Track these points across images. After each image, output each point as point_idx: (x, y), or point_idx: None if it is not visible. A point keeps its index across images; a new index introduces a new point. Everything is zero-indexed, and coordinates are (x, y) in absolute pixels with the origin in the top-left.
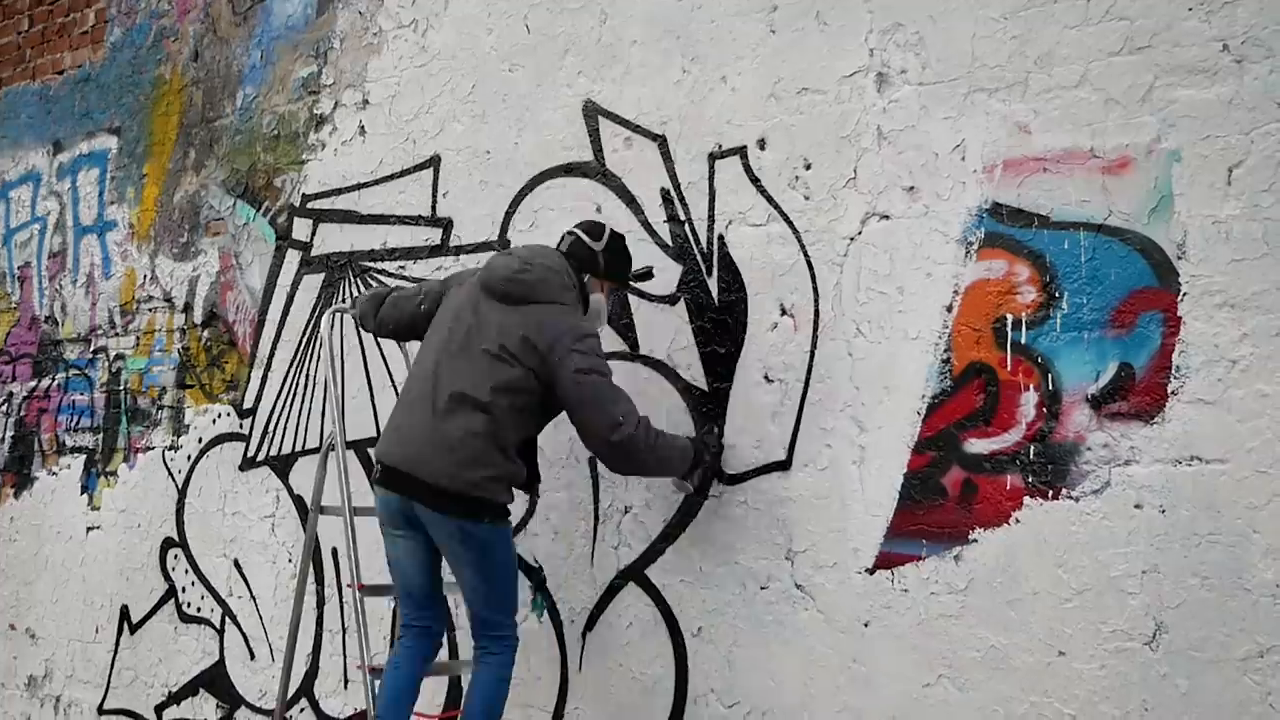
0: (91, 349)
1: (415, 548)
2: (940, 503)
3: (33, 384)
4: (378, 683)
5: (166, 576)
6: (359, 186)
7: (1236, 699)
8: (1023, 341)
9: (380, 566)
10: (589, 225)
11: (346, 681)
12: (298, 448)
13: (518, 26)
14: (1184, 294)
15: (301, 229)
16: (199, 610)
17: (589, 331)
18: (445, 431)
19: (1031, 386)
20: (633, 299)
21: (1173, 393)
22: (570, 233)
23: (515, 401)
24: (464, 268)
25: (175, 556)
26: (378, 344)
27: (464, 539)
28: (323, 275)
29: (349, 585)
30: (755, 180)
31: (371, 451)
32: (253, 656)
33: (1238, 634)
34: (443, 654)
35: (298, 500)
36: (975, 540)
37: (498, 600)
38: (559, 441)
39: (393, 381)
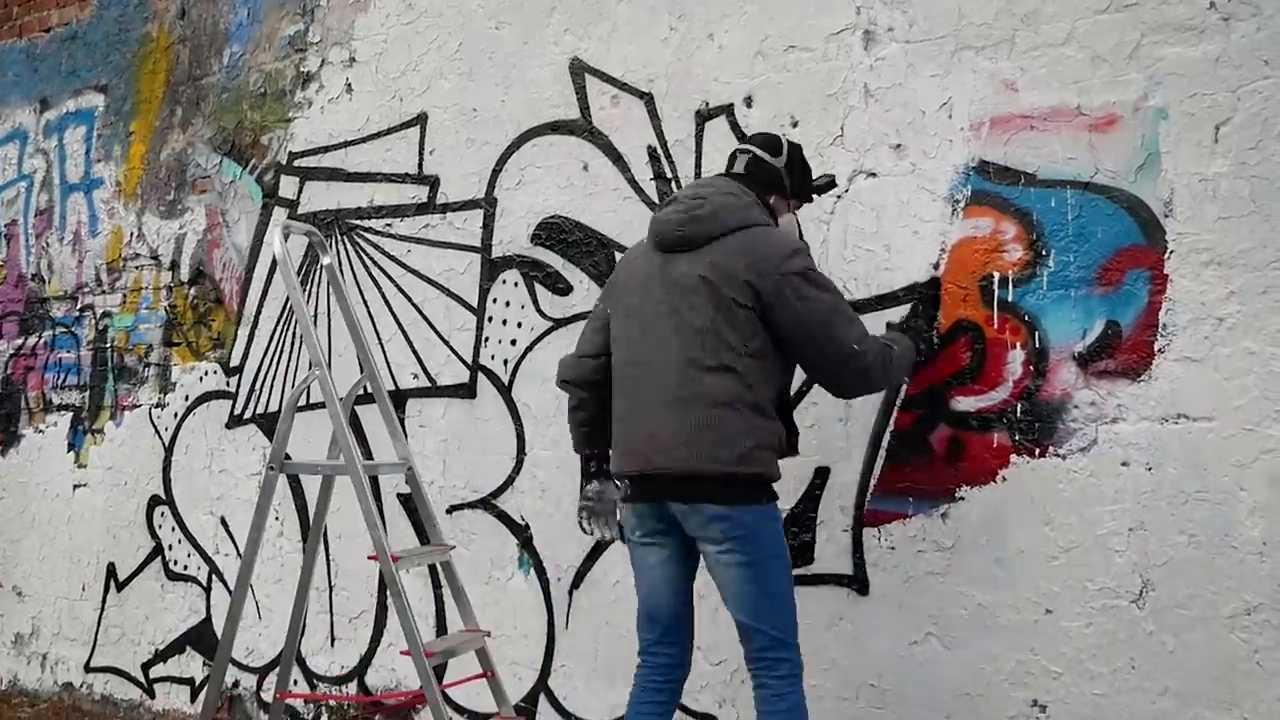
0: (78, 307)
1: (667, 558)
2: (927, 460)
3: (19, 342)
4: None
5: (153, 534)
6: (346, 144)
7: (1224, 656)
8: (1010, 299)
9: (396, 536)
10: (763, 139)
11: (333, 640)
12: (284, 405)
13: None
14: (1171, 252)
15: (288, 187)
16: (185, 568)
17: (795, 246)
18: (688, 411)
19: (1018, 344)
20: (619, 257)
21: (1160, 350)
22: (743, 150)
23: (752, 348)
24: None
25: (162, 514)
26: (364, 300)
27: (732, 531)
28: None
29: (370, 558)
30: (742, 138)
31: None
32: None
33: (1225, 591)
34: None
35: (285, 458)
36: (962, 498)
37: (779, 609)
38: (543, 398)
39: (380, 339)
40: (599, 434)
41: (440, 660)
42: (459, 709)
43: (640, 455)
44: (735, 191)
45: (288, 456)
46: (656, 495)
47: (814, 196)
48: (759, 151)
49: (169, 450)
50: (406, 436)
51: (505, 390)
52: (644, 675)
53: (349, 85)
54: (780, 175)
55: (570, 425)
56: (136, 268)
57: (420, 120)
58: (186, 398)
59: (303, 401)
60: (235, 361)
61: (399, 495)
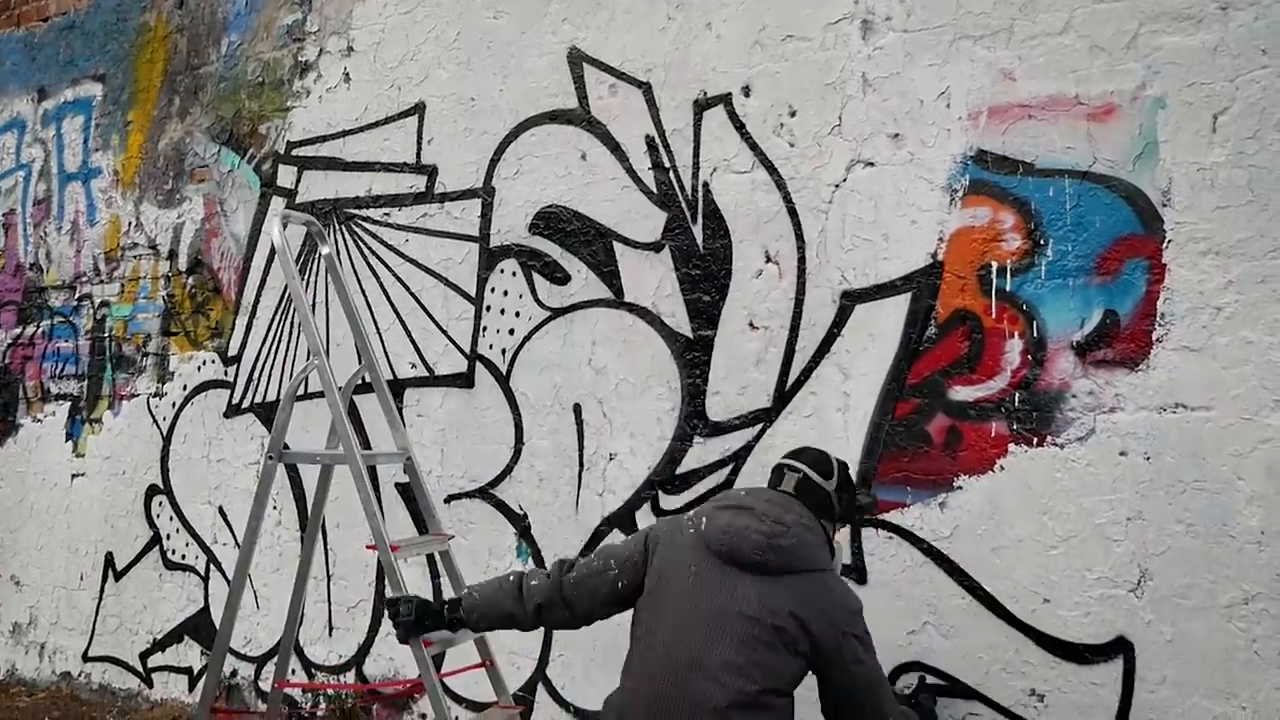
0: (76, 296)
1: None
2: (925, 450)
3: (17, 331)
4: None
5: (151, 523)
6: (344, 133)
7: (1222, 646)
8: (1008, 289)
9: (395, 525)
10: (813, 457)
11: (331, 629)
12: (283, 395)
13: None
14: (1169, 241)
15: (286, 176)
16: (184, 557)
17: (857, 609)
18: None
19: (1016, 334)
20: (617, 246)
21: (1158, 340)
22: (792, 469)
23: (788, 691)
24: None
25: (160, 503)
26: (362, 290)
27: None
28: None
29: (369, 547)
30: (740, 127)
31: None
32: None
33: (1223, 581)
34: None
35: (284, 447)
36: (960, 487)
37: None
38: (541, 387)
39: (378, 329)
40: (492, 620)
41: (439, 650)
42: (457, 698)
43: None
44: (812, 526)
45: (286, 446)
46: None
47: (855, 516)
48: (810, 472)
49: (167, 440)
50: (405, 426)
51: (503, 380)
52: None
53: (347, 74)
54: (832, 500)
55: (508, 608)
56: (135, 257)
57: (418, 109)
58: (184, 387)
59: (301, 391)
60: (233, 351)
61: (397, 485)
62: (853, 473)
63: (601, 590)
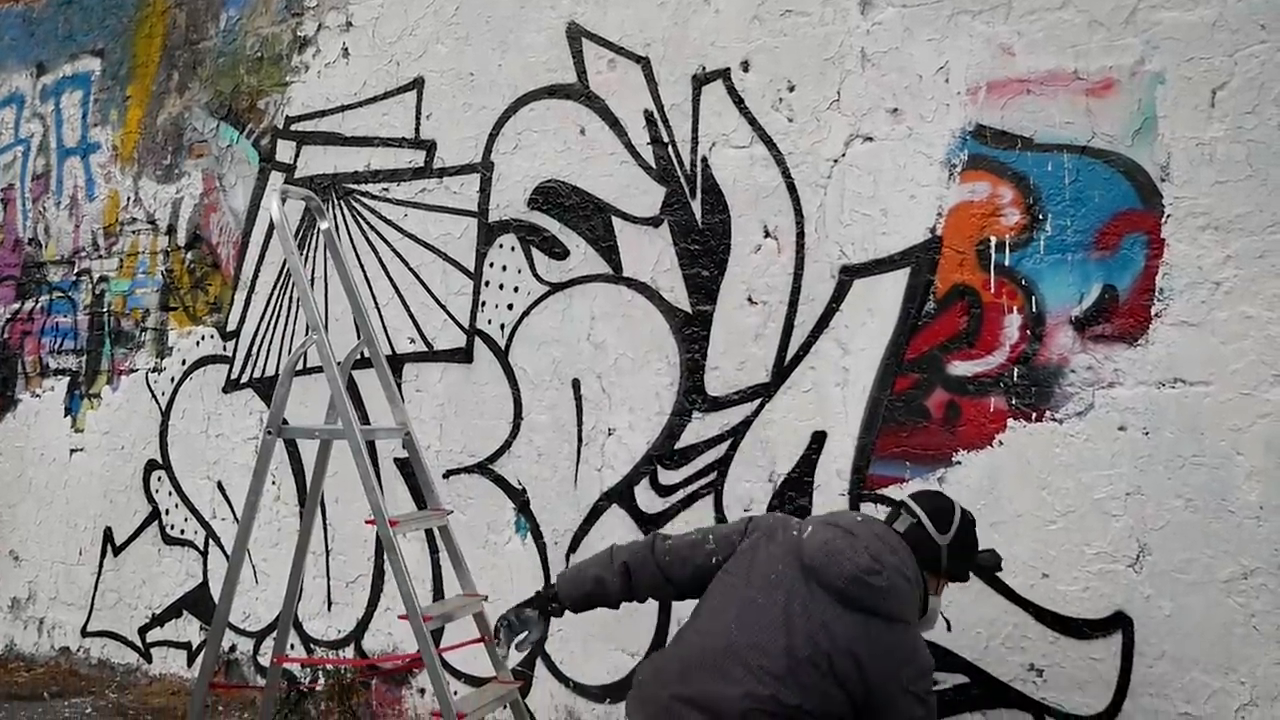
0: (75, 271)
1: None
2: (924, 425)
3: (16, 306)
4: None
5: (150, 499)
6: (342, 109)
7: (1220, 620)
8: (1006, 264)
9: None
10: (935, 507)
11: (330, 604)
12: (281, 370)
13: None
14: (1168, 216)
15: (285, 151)
16: (182, 532)
17: (927, 668)
18: (735, 690)
19: (1015, 309)
20: (616, 221)
21: (1156, 315)
22: (909, 511)
23: (818, 710)
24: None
25: (159, 479)
26: (361, 265)
27: None
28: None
29: (368, 522)
30: (739, 102)
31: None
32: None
33: (1221, 556)
34: None
35: (283, 423)
36: (959, 462)
37: None
38: (540, 362)
39: (377, 304)
40: (580, 589)
41: (438, 624)
42: (456, 673)
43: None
44: (911, 577)
45: (285, 421)
46: None
47: (967, 579)
48: (925, 521)
49: (166, 415)
50: (404, 401)
51: (502, 355)
52: None
53: (345, 50)
54: (940, 555)
55: (594, 572)
56: (133, 232)
57: (417, 85)
58: (183, 362)
59: (300, 366)
60: (232, 326)
61: (396, 460)
62: (980, 536)
63: (696, 560)
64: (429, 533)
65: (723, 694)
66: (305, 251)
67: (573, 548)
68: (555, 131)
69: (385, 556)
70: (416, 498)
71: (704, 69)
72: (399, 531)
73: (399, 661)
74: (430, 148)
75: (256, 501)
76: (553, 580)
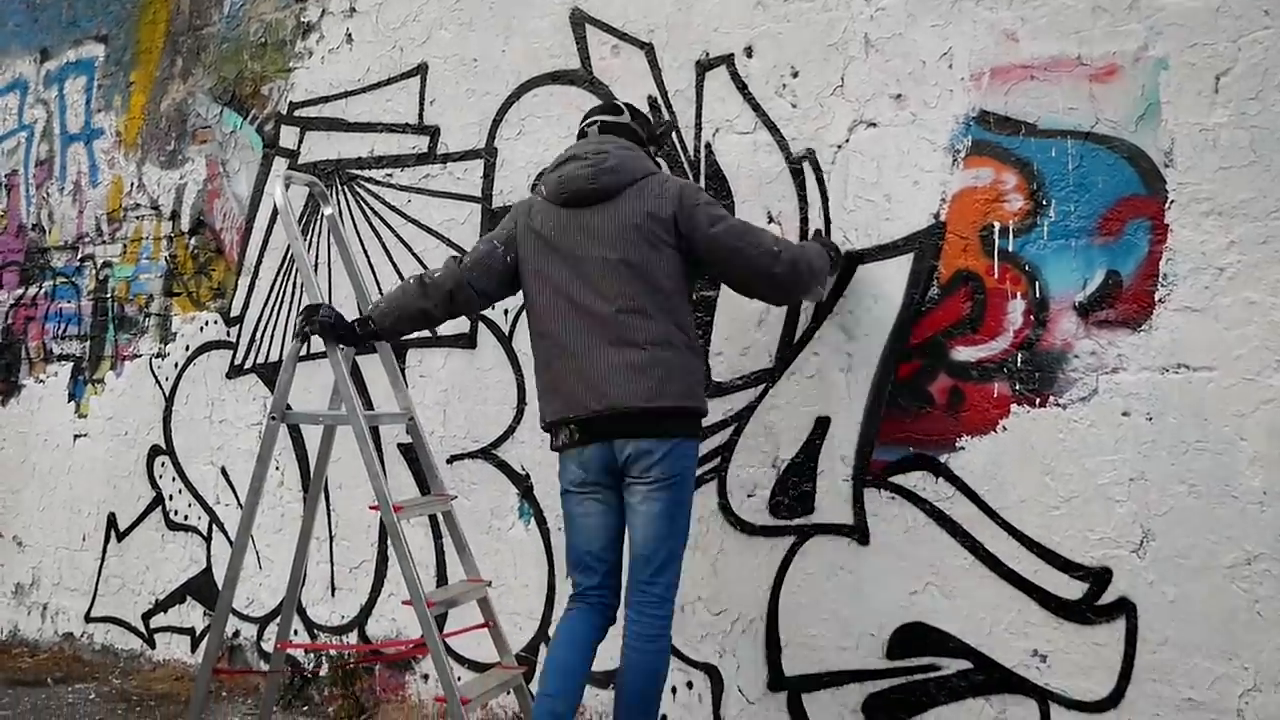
0: (79, 257)
1: (605, 509)
2: (927, 410)
3: (20, 292)
4: (433, 614)
5: (154, 484)
6: (346, 94)
7: (1224, 607)
8: (1010, 249)
9: (397, 485)
10: (603, 105)
11: (334, 589)
12: (285, 356)
13: None
14: (1171, 201)
15: (289, 137)
16: (186, 518)
17: (694, 184)
18: (634, 352)
19: (1019, 294)
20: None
21: (1160, 300)
22: (590, 121)
23: (673, 286)
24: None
25: (162, 464)
26: (365, 251)
27: (672, 465)
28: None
29: (372, 508)
30: (742, 88)
31: (541, 416)
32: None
33: (1225, 541)
34: None
35: (286, 408)
36: (963, 448)
37: (676, 547)
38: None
39: (381, 289)
40: (405, 321)
41: (441, 610)
42: (459, 659)
43: (590, 397)
44: (628, 145)
45: (289, 407)
46: (607, 435)
47: (661, 143)
48: (605, 117)
49: (169, 400)
50: (407, 386)
51: (506, 340)
52: (581, 615)
53: (349, 35)
54: (635, 129)
55: (398, 298)
56: (137, 218)
57: (420, 70)
58: (187, 348)
59: (303, 352)
60: (236, 311)
61: (399, 445)
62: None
63: (494, 266)
64: (432, 519)
65: (628, 355)
66: (309, 237)
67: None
68: (559, 117)
69: (389, 542)
70: (420, 483)
71: (707, 55)
72: (403, 517)
73: (402, 647)
74: (434, 133)
75: (260, 487)
76: (368, 317)
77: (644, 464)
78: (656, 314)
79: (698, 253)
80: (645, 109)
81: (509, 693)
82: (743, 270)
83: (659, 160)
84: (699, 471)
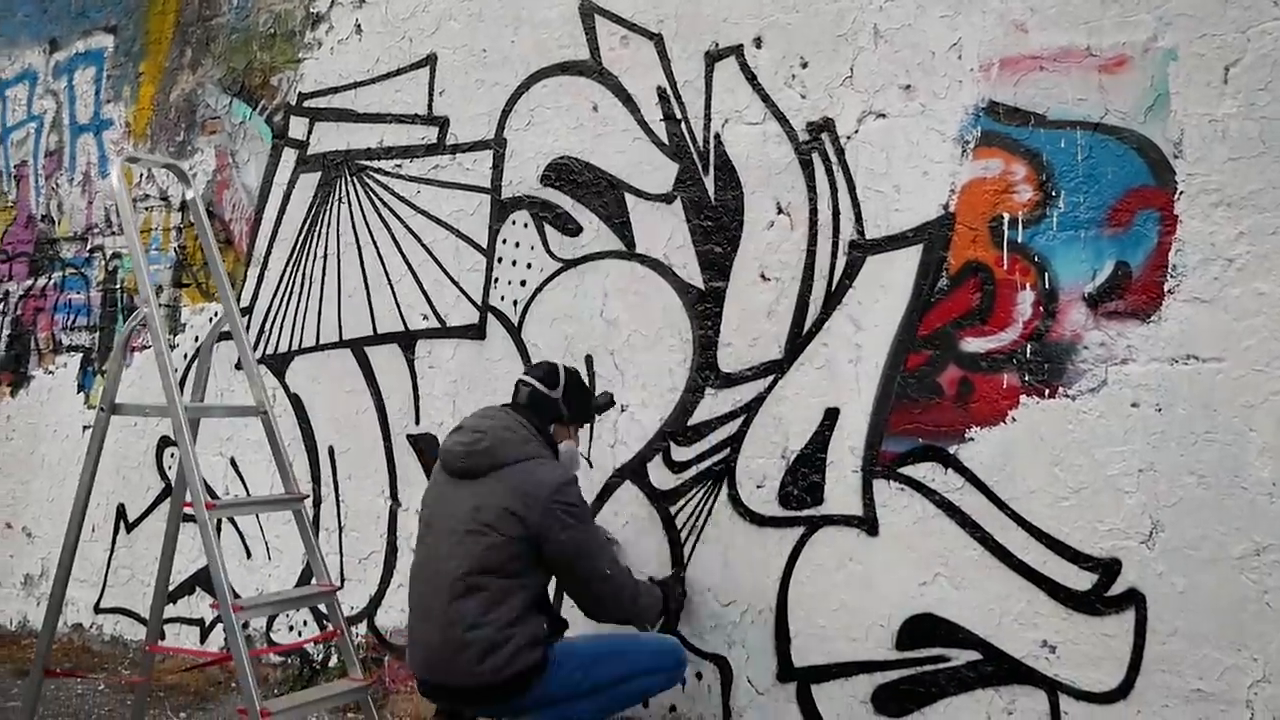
0: (88, 248)
1: None
2: (937, 401)
3: (29, 283)
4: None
5: (163, 475)
6: (355, 85)
7: (1233, 597)
8: (1019, 240)
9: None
10: (542, 371)
11: (343, 580)
12: (294, 346)
13: None
14: (1181, 192)
15: (298, 128)
16: None
17: (565, 479)
18: (452, 631)
19: (1028, 285)
20: (629, 197)
21: (1169, 291)
22: (523, 383)
23: (510, 570)
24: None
25: (172, 455)
26: (374, 241)
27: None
28: (319, 174)
29: (186, 505)
30: (751, 79)
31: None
32: (249, 555)
33: (1234, 532)
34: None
35: (294, 398)
36: (972, 439)
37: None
38: (553, 338)
39: (390, 280)
40: None
41: (259, 614)
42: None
43: (426, 662)
44: (513, 425)
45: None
46: (451, 701)
47: (595, 416)
48: (536, 384)
49: (179, 390)
50: (261, 379)
51: (515, 331)
52: None
53: (358, 26)
54: (558, 405)
55: None
56: (146, 209)
57: (430, 61)
58: (196, 339)
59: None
60: (245, 302)
61: (409, 437)
62: (585, 378)
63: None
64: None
65: (446, 632)
66: (319, 226)
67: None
68: (568, 108)
69: (397, 533)
70: (429, 475)
71: (717, 45)
72: (218, 514)
73: (209, 656)
74: (443, 124)
75: (90, 481)
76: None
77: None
78: (478, 596)
79: (541, 554)
80: (565, 383)
81: (343, 710)
82: (566, 580)
83: (575, 440)
84: (706, 464)
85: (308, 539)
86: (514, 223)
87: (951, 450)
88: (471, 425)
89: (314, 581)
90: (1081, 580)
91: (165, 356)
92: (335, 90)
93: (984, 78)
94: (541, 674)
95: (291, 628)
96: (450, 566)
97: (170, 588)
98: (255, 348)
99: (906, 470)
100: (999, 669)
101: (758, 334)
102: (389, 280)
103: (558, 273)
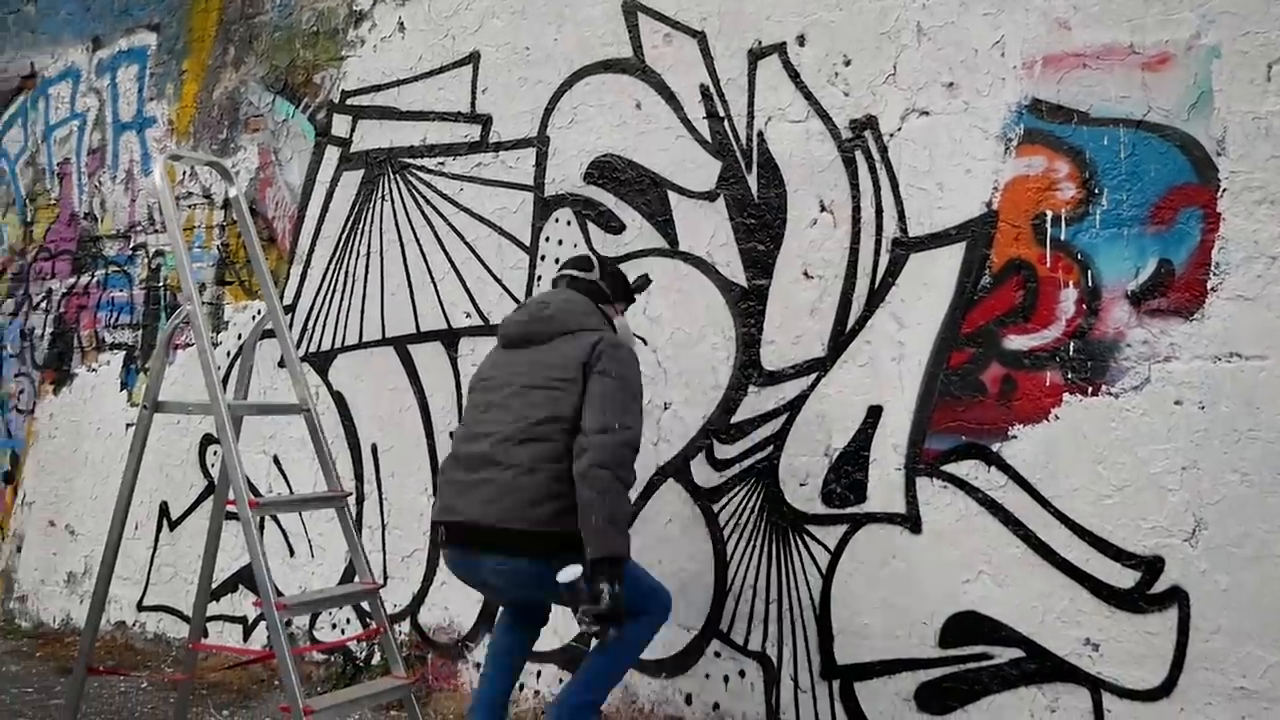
0: (131, 245)
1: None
2: (980, 399)
3: (72, 281)
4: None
5: (206, 473)
6: (398, 83)
7: (1277, 594)
8: (1062, 238)
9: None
10: (575, 261)
11: (386, 578)
12: (337, 344)
13: None
14: (1224, 190)
15: (341, 125)
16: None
17: (624, 343)
18: (504, 475)
19: (1071, 283)
20: (672, 195)
21: (1212, 289)
22: (562, 275)
23: (571, 426)
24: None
25: (215, 453)
26: (417, 239)
27: (540, 583)
28: (362, 172)
29: (229, 503)
30: (794, 76)
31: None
32: (292, 553)
33: (1277, 530)
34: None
35: (337, 396)
36: (1015, 436)
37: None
38: None
39: (433, 278)
40: None
41: (301, 613)
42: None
43: (464, 506)
44: (575, 300)
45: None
46: (479, 544)
47: (635, 297)
48: (575, 273)
49: (222, 388)
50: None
51: None
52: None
53: (401, 24)
54: (600, 287)
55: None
56: (189, 206)
57: (473, 59)
58: (239, 336)
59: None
60: (288, 300)
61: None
62: (624, 269)
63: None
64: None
65: (505, 475)
66: (362, 225)
67: (629, 522)
68: (611, 106)
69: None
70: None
71: (760, 43)
72: (259, 513)
73: (251, 654)
74: (486, 122)
75: (133, 478)
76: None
77: (506, 578)
78: (548, 448)
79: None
80: (600, 267)
81: (385, 708)
82: (584, 417)
83: (618, 318)
84: (749, 461)
85: (350, 537)
86: (557, 220)
87: (994, 448)
88: (537, 299)
89: (357, 579)
90: (1124, 578)
91: (208, 354)
92: (378, 88)
93: (1027, 75)
94: (568, 550)
95: (335, 625)
96: (508, 418)
97: (212, 585)
98: (298, 345)
99: (949, 468)
100: (1042, 667)
101: (801, 331)
102: (432, 278)
103: None
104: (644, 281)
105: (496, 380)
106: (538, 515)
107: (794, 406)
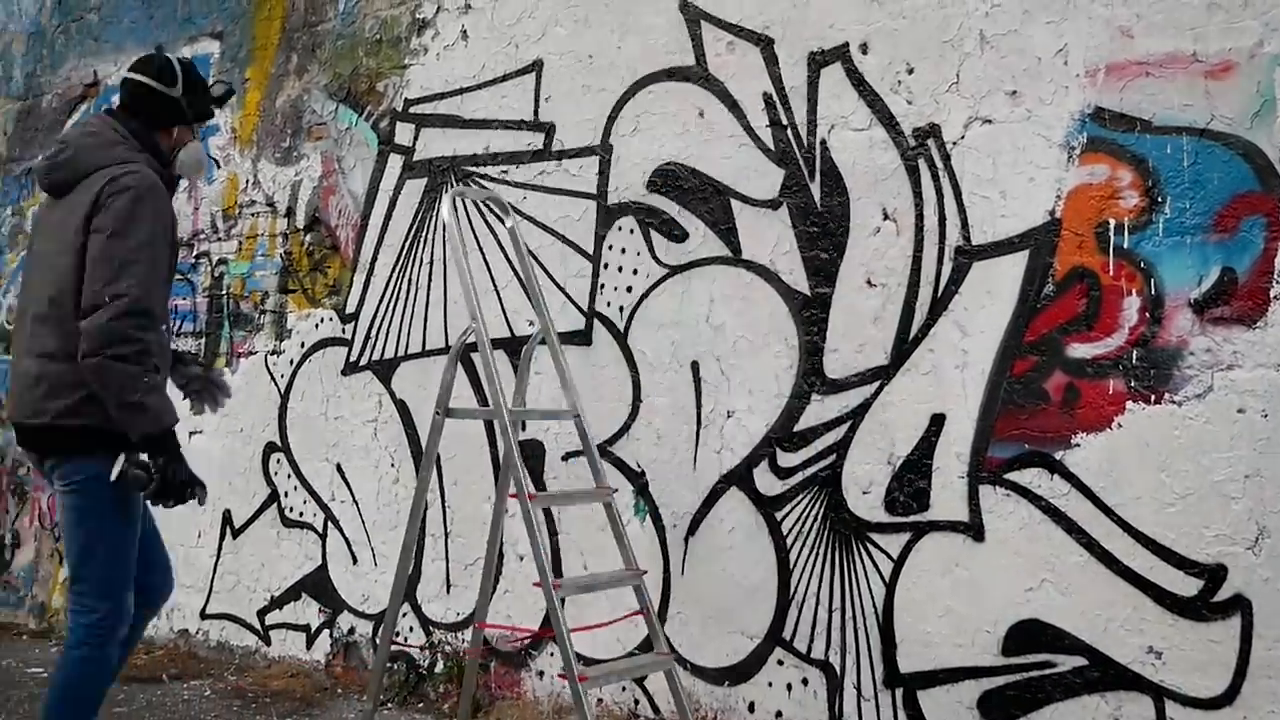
0: (194, 254)
1: None
2: (1043, 407)
3: None
4: (561, 600)
5: (269, 481)
6: (461, 91)
7: None
8: (1125, 246)
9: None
10: (156, 66)
11: (449, 586)
12: (400, 353)
13: None
14: None
15: (404, 134)
16: (301, 515)
17: (140, 181)
18: (29, 362)
19: (1134, 291)
20: (735, 203)
21: (1275, 297)
22: (129, 81)
23: (78, 300)
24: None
25: (278, 461)
26: (480, 247)
27: (70, 472)
28: (425, 180)
29: (512, 495)
30: (858, 84)
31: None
32: (355, 561)
33: None
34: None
35: (400, 405)
36: (1078, 445)
37: (87, 556)
38: (659, 344)
39: (496, 286)
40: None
41: (571, 592)
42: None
43: (10, 403)
44: (100, 130)
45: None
46: (24, 444)
47: (214, 111)
48: (142, 79)
49: (285, 397)
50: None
51: (621, 337)
52: None
53: (464, 32)
54: (179, 104)
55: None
56: (252, 214)
57: (536, 67)
58: (302, 345)
59: (418, 348)
60: (351, 308)
61: (518, 443)
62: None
63: None
64: (549, 514)
65: (29, 366)
66: (427, 231)
67: (691, 530)
68: (674, 114)
69: (503, 539)
70: (535, 479)
71: (823, 51)
72: (538, 505)
73: (527, 633)
74: (549, 130)
75: (428, 478)
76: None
77: (55, 472)
78: (57, 323)
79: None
80: (189, 74)
81: (645, 678)
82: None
83: (190, 143)
84: (812, 470)
85: (617, 529)
86: (620, 228)
87: (1058, 456)
88: (61, 136)
89: (621, 568)
90: (1187, 586)
91: (491, 365)
92: (441, 96)
93: (1090, 83)
94: (102, 446)
95: (398, 634)
96: (35, 295)
97: (278, 593)
98: (361, 354)
99: (1013, 476)
100: (1105, 675)
101: (864, 340)
102: (495, 286)
103: (664, 278)
104: (226, 91)
105: (35, 247)
106: (58, 408)
107: (857, 415)
